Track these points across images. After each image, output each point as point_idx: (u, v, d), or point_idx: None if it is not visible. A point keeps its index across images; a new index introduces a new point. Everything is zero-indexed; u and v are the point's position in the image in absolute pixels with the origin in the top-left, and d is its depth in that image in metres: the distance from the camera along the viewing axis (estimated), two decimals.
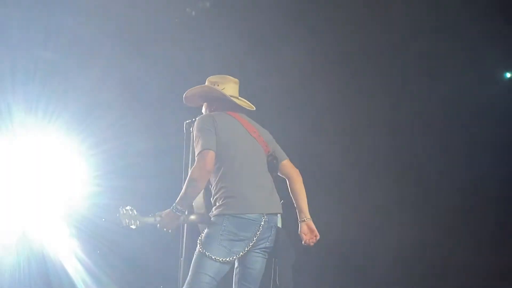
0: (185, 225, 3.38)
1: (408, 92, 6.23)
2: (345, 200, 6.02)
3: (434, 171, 6.14)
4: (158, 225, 3.08)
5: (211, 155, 3.00)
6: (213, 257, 2.94)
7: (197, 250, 3.03)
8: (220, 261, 2.94)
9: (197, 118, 3.19)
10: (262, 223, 3.01)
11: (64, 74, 5.18)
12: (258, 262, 3.09)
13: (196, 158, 3.03)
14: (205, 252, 2.96)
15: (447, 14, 5.77)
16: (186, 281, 3.00)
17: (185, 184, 3.05)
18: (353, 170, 6.15)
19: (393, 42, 5.95)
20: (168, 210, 3.05)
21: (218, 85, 3.31)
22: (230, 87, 3.32)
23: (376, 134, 6.19)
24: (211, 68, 4.87)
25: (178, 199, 3.05)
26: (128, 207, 3.07)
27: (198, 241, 3.05)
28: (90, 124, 5.32)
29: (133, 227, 3.05)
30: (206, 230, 3.05)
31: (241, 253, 2.99)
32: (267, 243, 3.08)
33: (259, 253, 3.09)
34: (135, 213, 3.07)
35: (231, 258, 2.97)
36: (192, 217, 3.21)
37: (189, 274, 3.01)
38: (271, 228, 3.08)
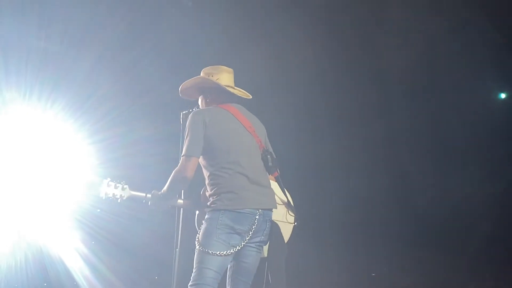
0: (180, 217, 3.38)
1: (403, 107, 6.28)
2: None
3: (422, 186, 6.24)
4: (149, 202, 3.19)
5: (193, 161, 3.04)
6: (211, 252, 2.95)
7: (196, 248, 3.03)
8: (220, 255, 2.95)
9: (191, 113, 3.18)
10: (257, 216, 3.01)
11: (58, 63, 5.13)
12: (252, 256, 3.10)
13: (180, 159, 3.08)
14: (204, 249, 2.97)
15: (447, 32, 5.79)
16: (192, 278, 3.01)
17: (167, 185, 3.13)
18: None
19: (393, 54, 5.95)
20: (155, 191, 3.17)
21: (212, 76, 3.29)
22: (224, 77, 3.30)
23: (368, 146, 6.24)
24: (207, 57, 4.83)
25: (160, 195, 3.15)
26: (117, 181, 3.21)
27: (196, 239, 3.05)
28: (85, 113, 5.28)
29: (117, 199, 3.20)
30: (203, 226, 3.05)
31: (238, 246, 3.00)
32: (262, 237, 3.09)
33: (254, 247, 3.09)
34: (125, 187, 3.21)
35: (230, 252, 2.98)
36: (186, 202, 3.27)
37: (194, 271, 3.02)
38: (266, 222, 3.09)
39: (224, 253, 2.96)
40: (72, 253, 5.22)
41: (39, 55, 4.97)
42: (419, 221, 6.11)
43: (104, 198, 3.22)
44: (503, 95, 6.77)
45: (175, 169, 3.09)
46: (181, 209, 3.41)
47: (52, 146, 5.19)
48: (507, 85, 6.67)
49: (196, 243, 3.04)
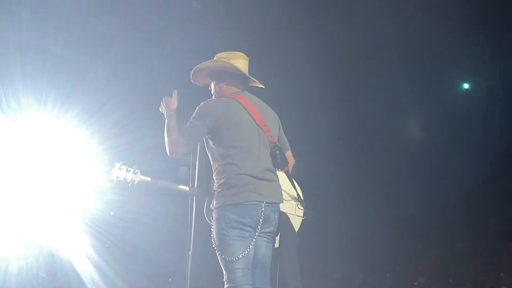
0: (193, 219, 3.37)
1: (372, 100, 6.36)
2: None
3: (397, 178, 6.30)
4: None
5: (186, 149, 3.07)
6: (230, 259, 2.94)
7: (217, 253, 3.01)
8: (239, 259, 2.94)
9: (204, 101, 3.14)
10: (263, 208, 2.98)
11: (73, 70, 5.19)
12: (263, 246, 3.07)
13: (180, 134, 3.05)
14: (224, 257, 2.96)
15: (411, 26, 5.88)
16: (225, 280, 3.01)
17: (170, 131, 3.08)
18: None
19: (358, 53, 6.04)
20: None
21: (229, 61, 3.19)
22: (241, 63, 3.21)
23: (342, 137, 6.30)
24: None
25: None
26: (128, 165, 3.18)
27: (212, 243, 3.03)
28: (99, 119, 5.32)
29: (128, 183, 3.15)
30: (214, 229, 3.03)
31: (254, 237, 2.97)
32: (272, 227, 3.07)
33: (264, 237, 3.07)
34: (136, 171, 3.17)
35: (248, 249, 2.96)
36: (197, 190, 3.27)
37: (224, 273, 3.01)
38: (274, 212, 3.07)
39: (242, 255, 2.94)
40: (83, 258, 5.23)
41: (55, 62, 5.03)
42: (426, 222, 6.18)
43: (115, 181, 3.16)
44: (466, 85, 6.98)
45: (177, 138, 3.03)
46: (193, 213, 3.41)
47: (65, 152, 5.24)
48: (471, 76, 6.83)
49: (213, 246, 3.02)
